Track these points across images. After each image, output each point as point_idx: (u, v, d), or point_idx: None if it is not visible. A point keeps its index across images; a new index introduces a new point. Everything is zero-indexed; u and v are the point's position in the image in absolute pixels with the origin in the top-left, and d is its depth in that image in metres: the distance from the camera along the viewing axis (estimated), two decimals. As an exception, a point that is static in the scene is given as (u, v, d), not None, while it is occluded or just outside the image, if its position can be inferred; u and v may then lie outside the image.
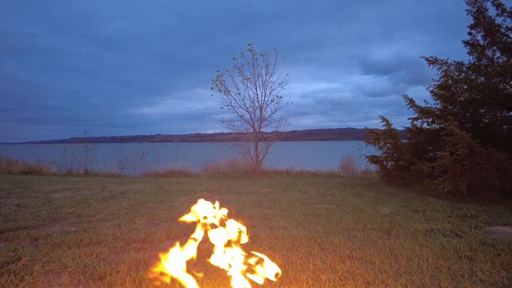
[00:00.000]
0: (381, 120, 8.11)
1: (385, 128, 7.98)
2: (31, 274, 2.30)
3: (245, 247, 1.82)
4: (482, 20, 7.18)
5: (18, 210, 4.52)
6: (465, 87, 6.92)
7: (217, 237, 1.68)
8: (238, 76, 12.02)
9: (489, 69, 6.56)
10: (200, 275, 1.80)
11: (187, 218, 1.74)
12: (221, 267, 1.68)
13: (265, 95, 12.25)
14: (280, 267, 2.46)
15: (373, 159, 8.24)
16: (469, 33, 7.45)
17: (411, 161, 7.01)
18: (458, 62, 7.19)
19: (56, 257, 2.61)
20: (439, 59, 7.12)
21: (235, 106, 12.27)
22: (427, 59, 7.25)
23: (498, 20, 7.03)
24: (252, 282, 1.65)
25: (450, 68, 7.08)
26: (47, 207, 4.78)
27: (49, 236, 3.20)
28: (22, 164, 13.25)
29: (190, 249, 1.66)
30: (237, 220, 1.76)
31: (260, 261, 1.66)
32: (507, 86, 6.39)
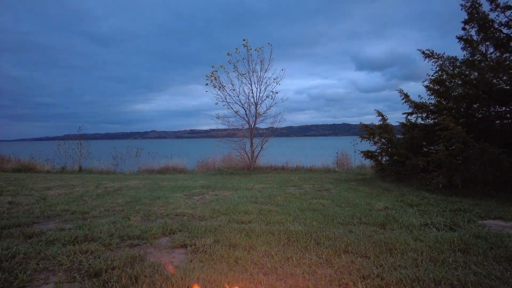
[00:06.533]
0: (377, 115, 8.15)
1: (381, 123, 8.01)
2: (25, 272, 2.28)
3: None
4: (475, 15, 7.20)
5: (11, 208, 4.47)
6: (459, 82, 6.97)
7: None
8: (233, 72, 12.00)
9: (482, 64, 6.60)
10: None
11: None
12: None
13: (260, 91, 12.25)
14: (276, 262, 2.47)
15: (368, 154, 8.28)
16: (463, 28, 7.47)
17: (406, 156, 7.05)
18: (452, 57, 7.24)
19: (51, 254, 2.59)
20: (435, 53, 7.16)
21: (230, 102, 12.26)
22: (423, 52, 7.29)
23: (492, 16, 7.06)
24: None
25: (445, 63, 7.12)
26: (41, 204, 4.74)
27: (43, 234, 3.17)
28: (15, 162, 13.11)
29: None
30: None
31: None
32: (500, 82, 6.44)
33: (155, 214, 4.13)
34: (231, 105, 12.30)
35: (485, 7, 7.14)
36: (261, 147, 12.23)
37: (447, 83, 7.25)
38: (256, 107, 12.34)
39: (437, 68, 7.28)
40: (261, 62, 11.98)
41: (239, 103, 12.32)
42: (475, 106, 7.12)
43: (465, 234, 3.08)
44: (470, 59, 7.15)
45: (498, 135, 6.53)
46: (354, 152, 11.40)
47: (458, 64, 7.16)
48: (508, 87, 6.34)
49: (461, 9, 7.38)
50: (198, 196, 5.65)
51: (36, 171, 12.27)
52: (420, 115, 7.73)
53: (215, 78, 11.95)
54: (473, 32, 7.42)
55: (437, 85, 7.38)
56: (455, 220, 3.72)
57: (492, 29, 7.10)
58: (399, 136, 7.95)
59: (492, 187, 5.53)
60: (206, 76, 11.93)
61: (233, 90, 12.17)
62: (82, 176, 10.02)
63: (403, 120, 7.99)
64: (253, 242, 2.91)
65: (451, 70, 7.09)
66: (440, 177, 5.78)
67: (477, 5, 7.18)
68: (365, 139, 8.09)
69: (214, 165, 12.68)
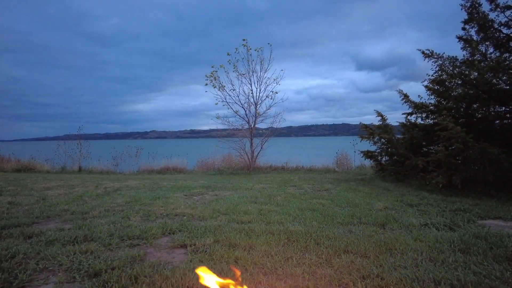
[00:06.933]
0: (377, 115, 8.16)
1: (381, 123, 8.02)
2: (25, 272, 2.27)
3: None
4: (475, 15, 7.21)
5: (11, 208, 4.46)
6: (459, 82, 6.98)
7: None
8: (233, 72, 12.01)
9: (482, 64, 6.61)
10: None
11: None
12: None
13: (260, 91, 12.26)
14: (276, 262, 2.47)
15: (368, 154, 8.29)
16: (463, 28, 7.48)
17: (405, 156, 7.06)
18: (452, 57, 7.24)
19: (51, 254, 2.59)
20: (435, 52, 7.16)
21: (230, 102, 12.27)
22: (423, 52, 7.29)
23: (492, 16, 7.08)
24: None
25: (445, 62, 7.13)
26: (41, 204, 4.73)
27: (43, 234, 3.17)
28: (15, 162, 13.10)
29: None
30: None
31: None
32: (500, 82, 6.45)
33: (155, 214, 4.13)
34: (231, 105, 12.32)
35: (485, 7, 7.16)
36: (261, 147, 12.23)
37: (446, 83, 7.26)
38: (256, 107, 12.35)
39: (437, 68, 7.29)
40: (261, 62, 12.00)
41: (239, 103, 12.34)
42: (474, 106, 7.13)
43: (465, 234, 3.08)
44: (470, 59, 7.16)
45: (497, 135, 6.54)
46: (354, 152, 11.41)
47: (458, 64, 7.16)
48: (507, 87, 6.34)
49: (461, 9, 7.39)
50: (198, 196, 5.65)
51: (35, 171, 12.27)
52: (420, 115, 7.73)
53: (215, 78, 11.96)
54: (473, 32, 7.43)
55: (437, 85, 7.38)
56: (455, 220, 3.72)
57: (492, 29, 7.11)
58: (399, 136, 7.95)
59: (491, 187, 5.54)
60: (206, 76, 11.94)
61: (233, 90, 12.19)
62: (82, 176, 10.02)
63: (403, 120, 8.01)
64: (253, 242, 2.91)
65: (451, 70, 7.09)
66: (440, 177, 5.78)
67: (477, 5, 7.19)
68: (365, 139, 8.09)
69: (214, 165, 12.68)
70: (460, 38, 7.56)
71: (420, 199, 5.13)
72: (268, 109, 12.47)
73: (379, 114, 8.12)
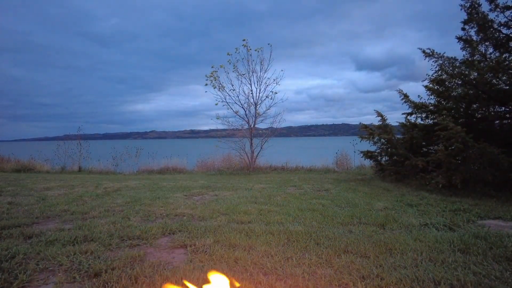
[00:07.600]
0: (376, 115, 8.16)
1: (380, 123, 8.02)
2: (25, 272, 2.27)
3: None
4: (475, 15, 7.21)
5: (11, 208, 4.46)
6: (459, 82, 6.99)
7: None
8: (233, 72, 12.00)
9: (482, 64, 6.61)
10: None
11: None
12: None
13: (259, 91, 12.25)
14: (276, 262, 2.47)
15: (368, 155, 8.29)
16: (463, 29, 7.49)
17: (405, 156, 7.06)
18: (452, 57, 7.25)
19: (51, 254, 2.59)
20: (436, 52, 7.17)
21: (229, 102, 12.27)
22: (423, 51, 7.30)
23: (491, 16, 7.09)
24: None
25: (445, 63, 7.14)
26: (41, 204, 4.73)
27: (43, 234, 3.17)
28: (15, 162, 13.11)
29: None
30: None
31: None
32: (500, 82, 6.45)
33: (154, 214, 4.13)
34: (230, 105, 12.31)
35: (485, 7, 7.17)
36: (261, 147, 12.23)
37: (447, 83, 7.27)
38: (255, 107, 12.35)
39: (437, 68, 7.30)
40: (261, 62, 11.99)
41: (238, 103, 12.34)
42: (474, 106, 7.13)
43: (465, 234, 3.08)
44: (470, 59, 7.17)
45: (497, 135, 6.55)
46: (353, 152, 11.41)
47: (457, 64, 7.17)
48: (507, 87, 6.35)
49: (461, 9, 7.40)
50: (197, 196, 5.65)
51: (35, 171, 12.27)
52: (420, 115, 7.74)
53: (215, 78, 11.95)
54: (472, 32, 7.44)
55: (437, 85, 7.39)
56: (455, 220, 3.72)
57: (491, 29, 7.11)
58: (398, 136, 7.95)
59: (491, 187, 5.54)
60: (206, 76, 11.94)
61: (233, 90, 12.18)
62: (82, 177, 10.02)
63: (403, 120, 8.02)
64: (252, 242, 2.92)
65: (450, 70, 7.10)
66: (440, 177, 5.79)
67: (476, 5, 7.20)
68: (364, 139, 8.09)
69: (213, 165, 12.68)
70: (459, 38, 7.56)
71: (420, 199, 5.13)
72: (268, 109, 12.48)
73: (379, 114, 8.12)
